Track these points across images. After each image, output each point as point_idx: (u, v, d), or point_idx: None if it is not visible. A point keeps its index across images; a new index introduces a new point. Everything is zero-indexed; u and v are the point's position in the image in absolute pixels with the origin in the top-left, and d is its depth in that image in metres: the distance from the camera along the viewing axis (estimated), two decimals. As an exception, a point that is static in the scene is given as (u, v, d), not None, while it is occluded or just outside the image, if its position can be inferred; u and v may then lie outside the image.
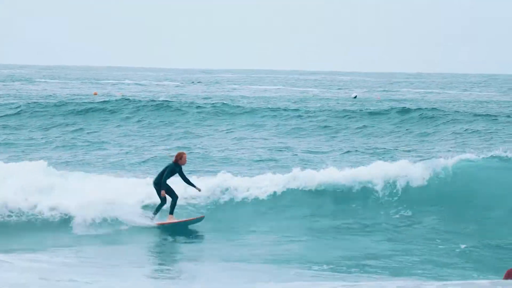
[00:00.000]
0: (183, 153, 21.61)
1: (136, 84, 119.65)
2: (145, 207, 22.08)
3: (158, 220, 21.38)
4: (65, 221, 21.50)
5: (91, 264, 17.55)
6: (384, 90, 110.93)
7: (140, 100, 53.95)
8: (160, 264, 18.65)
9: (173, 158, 21.53)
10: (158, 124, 45.55)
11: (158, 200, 21.40)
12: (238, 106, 53.49)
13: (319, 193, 23.43)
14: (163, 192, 21.24)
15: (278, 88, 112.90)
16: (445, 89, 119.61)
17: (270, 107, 55.30)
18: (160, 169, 21.88)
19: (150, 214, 21.44)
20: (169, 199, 21.32)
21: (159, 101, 54.48)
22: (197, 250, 19.79)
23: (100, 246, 19.87)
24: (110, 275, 16.40)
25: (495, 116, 48.02)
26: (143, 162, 32.00)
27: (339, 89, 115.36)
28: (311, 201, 23.21)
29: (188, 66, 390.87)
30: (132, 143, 38.37)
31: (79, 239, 20.44)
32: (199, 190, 21.59)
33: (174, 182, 21.55)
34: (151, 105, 50.60)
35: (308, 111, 51.18)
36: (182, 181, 21.39)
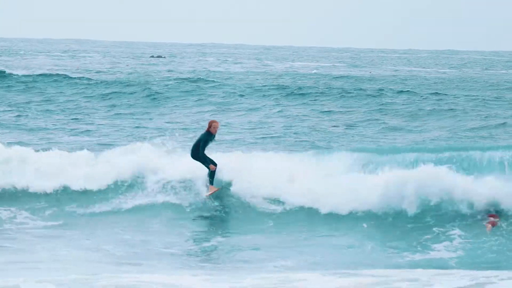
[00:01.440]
0: (213, 122, 20.13)
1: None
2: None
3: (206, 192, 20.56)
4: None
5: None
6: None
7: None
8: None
9: (206, 127, 20.04)
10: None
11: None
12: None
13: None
14: (212, 166, 20.12)
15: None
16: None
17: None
18: (195, 140, 20.32)
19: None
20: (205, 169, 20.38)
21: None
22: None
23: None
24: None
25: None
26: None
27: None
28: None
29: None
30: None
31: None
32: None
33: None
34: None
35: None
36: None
